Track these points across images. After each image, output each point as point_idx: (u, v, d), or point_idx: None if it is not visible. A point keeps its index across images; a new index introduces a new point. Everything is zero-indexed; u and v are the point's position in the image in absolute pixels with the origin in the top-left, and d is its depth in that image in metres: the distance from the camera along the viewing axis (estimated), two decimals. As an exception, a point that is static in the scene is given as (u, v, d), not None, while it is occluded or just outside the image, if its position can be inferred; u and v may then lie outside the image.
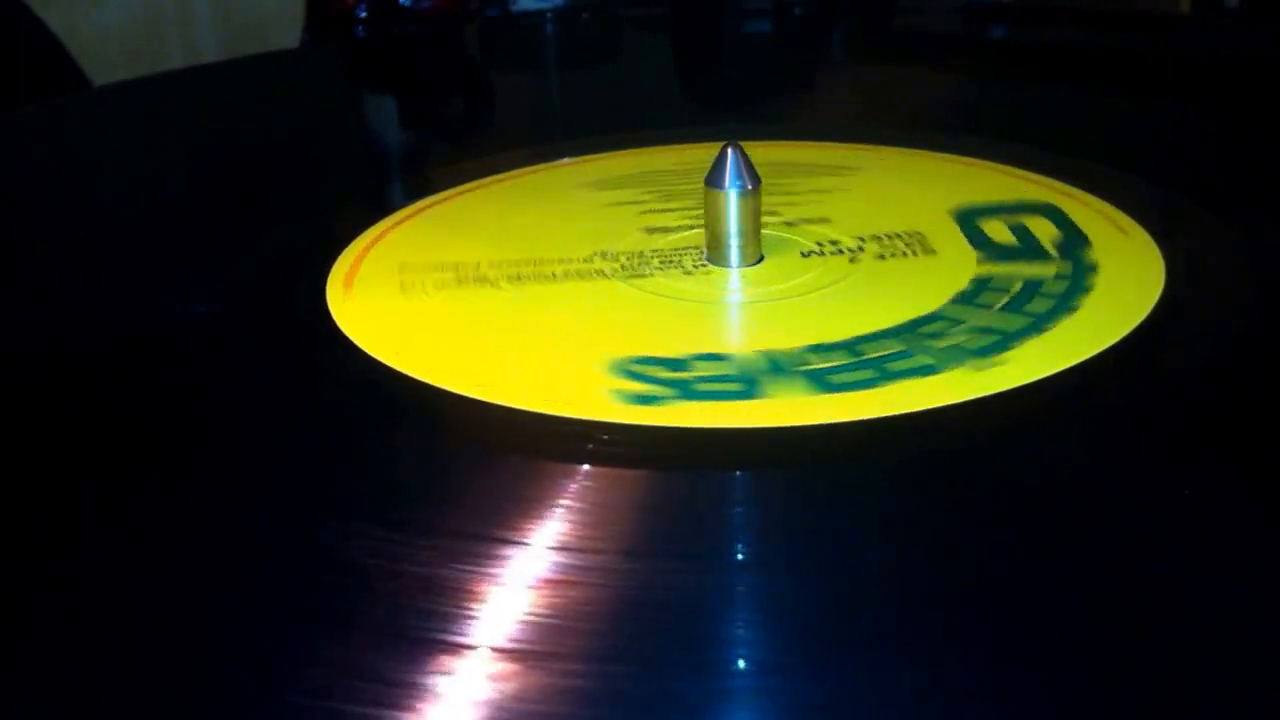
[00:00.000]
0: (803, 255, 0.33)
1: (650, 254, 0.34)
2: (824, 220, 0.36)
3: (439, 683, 0.18)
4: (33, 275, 0.37)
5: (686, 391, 0.27)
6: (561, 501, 0.23)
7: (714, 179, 0.32)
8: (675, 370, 0.27)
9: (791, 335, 0.29)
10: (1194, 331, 0.29)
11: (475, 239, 0.36)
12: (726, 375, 0.27)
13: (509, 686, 0.18)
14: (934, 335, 0.29)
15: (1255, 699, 0.18)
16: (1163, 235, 0.33)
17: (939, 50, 0.62)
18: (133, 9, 0.88)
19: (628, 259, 0.34)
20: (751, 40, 0.67)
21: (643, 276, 0.33)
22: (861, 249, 0.34)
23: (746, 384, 0.27)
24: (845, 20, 0.67)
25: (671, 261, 0.33)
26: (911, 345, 0.28)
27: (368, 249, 0.36)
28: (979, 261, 0.33)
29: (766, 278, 0.32)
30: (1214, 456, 0.24)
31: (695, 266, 0.33)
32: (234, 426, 0.27)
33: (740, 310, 0.31)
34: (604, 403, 0.26)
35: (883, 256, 0.33)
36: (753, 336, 0.29)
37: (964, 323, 0.29)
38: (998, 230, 0.35)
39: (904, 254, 0.33)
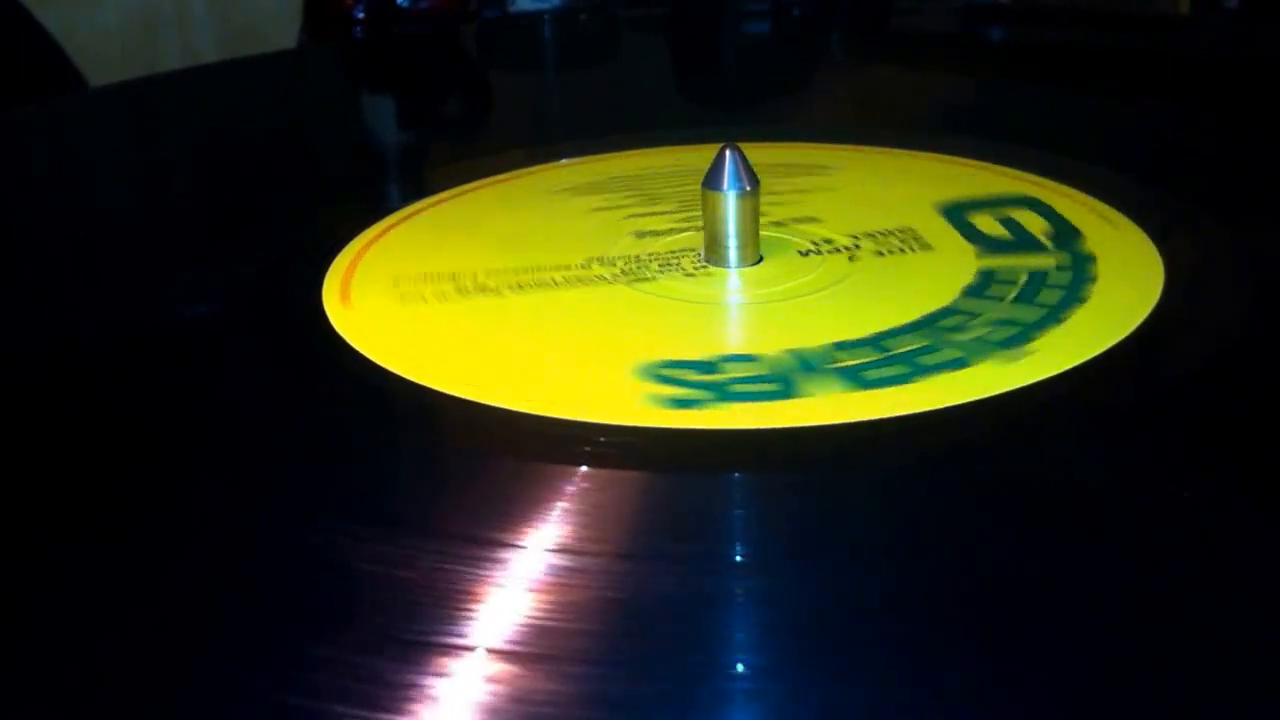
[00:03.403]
0: (800, 254, 0.33)
1: (647, 257, 0.34)
2: (813, 219, 0.36)
3: (436, 685, 0.18)
4: (32, 275, 0.37)
5: (723, 394, 0.26)
6: (576, 504, 0.23)
7: (713, 180, 0.32)
8: (706, 373, 0.27)
9: (813, 333, 0.29)
10: (1194, 331, 0.29)
11: (471, 244, 0.36)
12: (760, 375, 0.27)
13: (505, 688, 0.18)
14: (955, 329, 0.29)
15: (1255, 699, 0.18)
16: (1161, 235, 0.33)
17: (937, 51, 0.62)
18: (130, 9, 0.88)
19: (625, 263, 0.34)
20: (750, 41, 0.67)
21: (645, 280, 0.33)
22: (858, 246, 0.34)
23: (782, 383, 0.27)
24: (845, 21, 0.67)
25: (670, 264, 0.33)
26: (935, 340, 0.28)
27: (365, 250, 0.36)
28: (978, 255, 0.33)
29: (770, 278, 0.32)
30: (1227, 454, 0.24)
31: (695, 269, 0.33)
32: (231, 428, 0.27)
33: (753, 310, 0.31)
34: (642, 408, 0.26)
35: (881, 253, 0.33)
36: (775, 336, 0.29)
37: (980, 315, 0.29)
38: (988, 224, 0.35)
39: (901, 250, 0.33)
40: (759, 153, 0.34)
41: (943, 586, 0.20)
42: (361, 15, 0.64)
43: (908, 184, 0.39)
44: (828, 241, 0.34)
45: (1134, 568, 0.21)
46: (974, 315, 0.29)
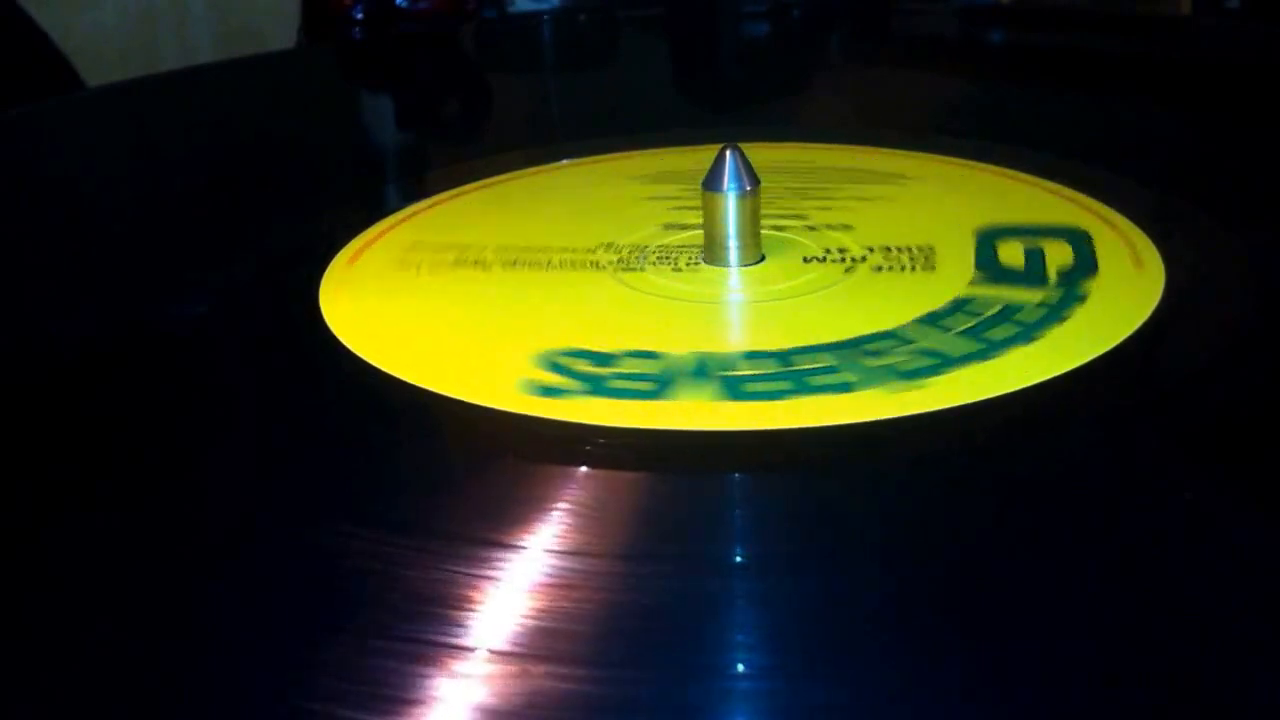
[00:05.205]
0: (804, 260, 0.33)
1: (654, 249, 0.34)
2: (846, 227, 0.35)
3: (433, 687, 0.18)
4: (30, 275, 0.37)
5: (598, 387, 0.27)
6: (558, 504, 0.23)
7: (713, 180, 0.32)
8: (599, 365, 0.28)
9: (730, 340, 0.29)
10: (1194, 333, 0.29)
11: (477, 231, 0.37)
12: (646, 374, 0.27)
13: (504, 690, 0.18)
14: (874, 354, 0.28)
15: (1255, 699, 0.18)
16: (1161, 235, 0.33)
17: (937, 53, 0.62)
18: (127, 9, 0.88)
19: (629, 252, 0.34)
20: (750, 42, 0.67)
21: (632, 270, 0.33)
22: (864, 259, 0.33)
23: (660, 384, 0.27)
24: (845, 21, 0.67)
25: (667, 259, 0.33)
26: (843, 362, 0.27)
27: (363, 250, 0.36)
28: (970, 282, 0.31)
29: (755, 279, 0.32)
30: (1227, 455, 0.24)
31: (687, 265, 0.33)
32: (228, 428, 0.27)
33: (703, 310, 0.31)
34: (511, 394, 0.27)
35: (880, 269, 0.32)
36: (694, 337, 0.29)
37: (914, 343, 0.28)
38: (1011, 253, 0.33)
39: (902, 268, 0.32)
40: (771, 153, 0.34)
41: (940, 588, 0.20)
42: (360, 15, 0.64)
43: (962, 200, 0.38)
44: (841, 250, 0.33)
45: (1132, 568, 0.21)
46: (906, 342, 0.28)
